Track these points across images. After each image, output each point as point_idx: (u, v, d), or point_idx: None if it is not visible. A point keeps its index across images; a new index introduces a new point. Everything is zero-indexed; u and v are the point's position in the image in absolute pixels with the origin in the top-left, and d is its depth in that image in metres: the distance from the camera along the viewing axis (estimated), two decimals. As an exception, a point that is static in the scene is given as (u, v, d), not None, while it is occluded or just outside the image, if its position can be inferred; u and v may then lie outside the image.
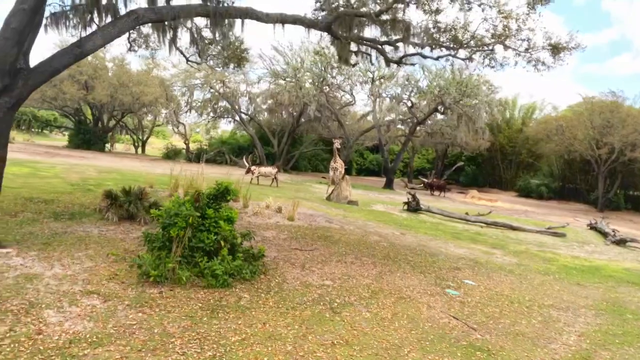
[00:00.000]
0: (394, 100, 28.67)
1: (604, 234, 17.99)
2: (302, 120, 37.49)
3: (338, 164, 19.61)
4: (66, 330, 4.71)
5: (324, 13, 10.00)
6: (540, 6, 7.54)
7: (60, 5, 10.28)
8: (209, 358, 4.51)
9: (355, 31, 8.77)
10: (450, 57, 8.36)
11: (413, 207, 17.96)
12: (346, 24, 7.95)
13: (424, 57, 8.38)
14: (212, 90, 35.26)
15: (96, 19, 10.45)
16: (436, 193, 31.43)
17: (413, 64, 8.51)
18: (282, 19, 8.04)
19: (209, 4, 7.54)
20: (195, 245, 6.71)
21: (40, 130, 63.93)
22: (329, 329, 5.47)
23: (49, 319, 4.90)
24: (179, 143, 48.19)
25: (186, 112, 36.71)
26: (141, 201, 10.10)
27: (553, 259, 12.17)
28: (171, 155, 41.48)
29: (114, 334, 4.75)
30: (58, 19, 10.12)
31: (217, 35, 8.39)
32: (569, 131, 31.02)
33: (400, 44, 8.33)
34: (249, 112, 38.72)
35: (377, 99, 29.75)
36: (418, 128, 31.55)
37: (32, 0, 6.20)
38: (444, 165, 44.54)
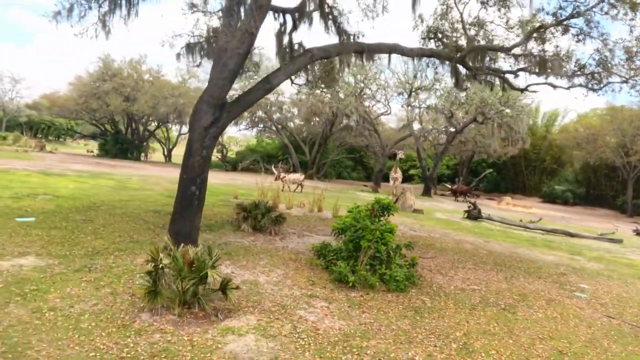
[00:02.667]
0: (433, 111, 29.72)
1: (655, 240, 18.94)
2: (334, 129, 38.54)
3: (398, 174, 20.64)
4: (330, 327, 5.69)
5: (432, 43, 11.10)
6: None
7: (194, 36, 11.43)
8: (457, 349, 5.49)
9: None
10: (586, 89, 9.31)
11: (474, 215, 18.92)
12: (479, 57, 8.99)
13: (554, 86, 9.36)
14: (249, 100, 36.32)
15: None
16: (460, 199, 32.36)
17: (535, 92, 9.48)
18: (422, 53, 9.08)
19: (363, 42, 8.61)
20: (374, 255, 7.69)
21: (56, 139, 65.26)
22: (523, 326, 6.46)
23: (308, 317, 5.89)
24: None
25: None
26: (269, 214, 11.08)
27: (631, 264, 13.11)
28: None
29: (368, 330, 5.74)
30: (192, 48, 11.25)
31: (350, 65, 9.41)
32: (601, 139, 32.03)
33: (520, 72, 9.39)
34: (281, 121, 39.76)
35: (418, 110, 30.86)
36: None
37: (246, 46, 7.23)
38: (468, 171, 45.46)
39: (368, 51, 8.51)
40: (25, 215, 9.94)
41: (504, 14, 9.97)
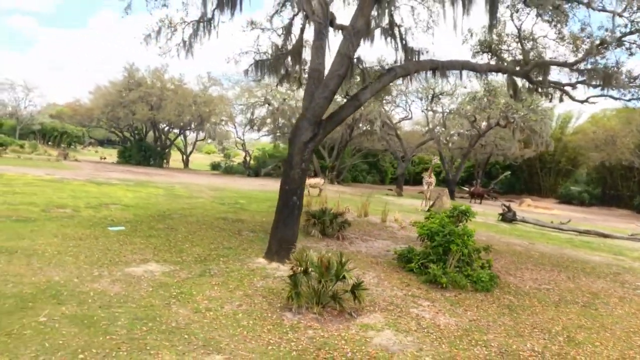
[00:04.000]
0: (456, 116, 30.38)
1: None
2: (353, 134, 39.25)
3: (432, 179, 21.28)
4: (447, 323, 6.34)
5: (486, 54, 11.80)
6: None
7: (262, 53, 12.16)
8: (564, 341, 6.12)
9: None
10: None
11: (510, 217, 19.53)
12: (542, 71, 9.64)
13: (615, 98, 10.04)
14: (270, 107, 37.05)
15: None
16: (477, 201, 32.93)
17: (594, 103, 10.09)
18: (490, 68, 9.76)
19: (436, 60, 9.28)
20: (459, 257, 8.33)
21: (68, 146, 66.36)
22: (611, 321, 7.08)
23: (423, 315, 6.54)
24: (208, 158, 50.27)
25: (249, 129, 38.52)
26: (336, 220, 11.75)
27: (674, 263, 13.68)
28: (222, 169, 43.46)
29: (480, 326, 6.37)
30: (260, 66, 11.96)
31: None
32: (619, 140, 32.61)
33: (578, 85, 10.05)
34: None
35: (441, 114, 31.53)
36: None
37: (345, 68, 7.91)
38: (484, 173, 46.07)
39: (442, 68, 9.18)
40: (113, 225, 10.63)
41: (559, 30, 10.63)
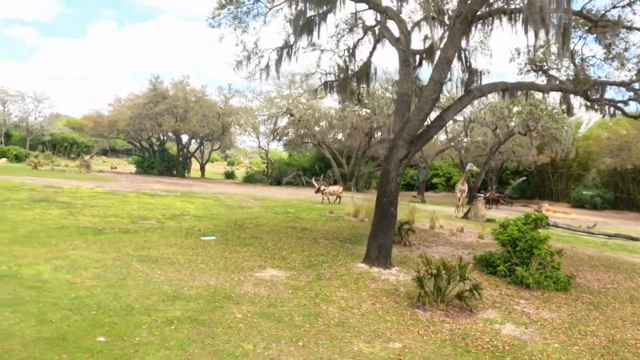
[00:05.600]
0: (476, 124, 31.39)
1: None
2: (372, 142, 40.40)
3: (465, 187, 22.25)
4: (550, 317, 7.25)
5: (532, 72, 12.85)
6: None
7: (326, 74, 13.17)
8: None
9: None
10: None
11: (542, 222, 20.45)
12: (600, 90, 10.65)
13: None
14: (291, 117, 38.06)
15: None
16: (492, 207, 33.84)
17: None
18: (552, 88, 10.79)
19: (504, 81, 10.31)
20: (540, 261, 9.26)
21: (77, 156, 67.38)
22: (686, 315, 8.00)
23: (527, 310, 7.45)
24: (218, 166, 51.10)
25: (272, 139, 39.57)
26: (403, 227, 12.69)
27: None
28: (243, 178, 44.36)
29: (578, 319, 7.29)
30: (329, 87, 12.96)
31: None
32: (635, 146, 33.70)
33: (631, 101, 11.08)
34: (322, 136, 41.49)
35: (465, 123, 32.52)
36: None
37: (437, 93, 8.91)
38: (498, 179, 47.12)
39: (511, 89, 10.19)
40: (204, 235, 11.53)
41: (609, 50, 11.66)
